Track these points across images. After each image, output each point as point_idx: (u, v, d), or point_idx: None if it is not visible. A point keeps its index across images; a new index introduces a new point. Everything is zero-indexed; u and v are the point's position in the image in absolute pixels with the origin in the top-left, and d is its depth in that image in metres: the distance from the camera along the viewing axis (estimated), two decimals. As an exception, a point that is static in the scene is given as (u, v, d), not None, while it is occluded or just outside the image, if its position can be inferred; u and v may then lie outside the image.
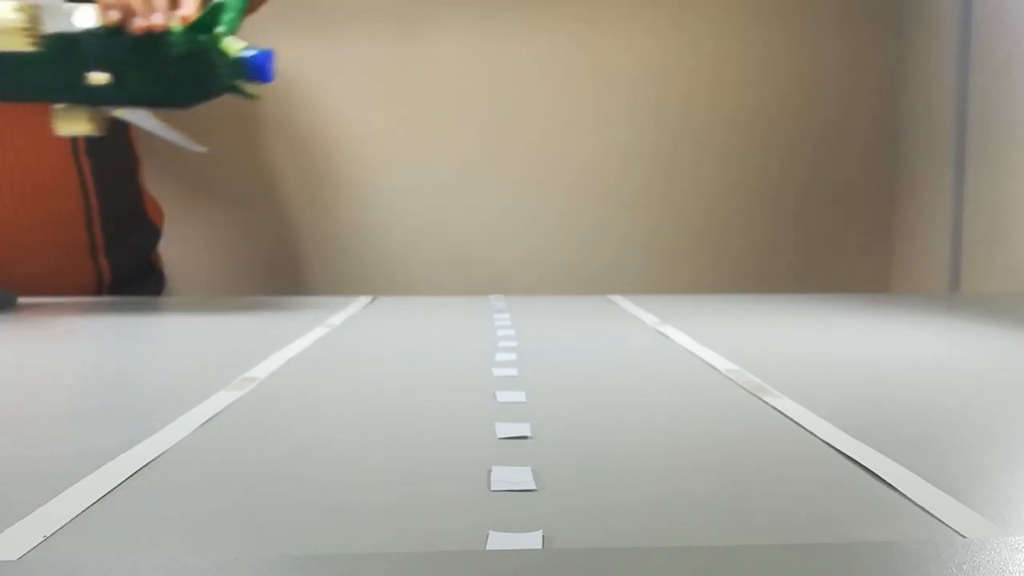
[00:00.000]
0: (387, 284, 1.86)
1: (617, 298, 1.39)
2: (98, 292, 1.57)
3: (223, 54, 1.07)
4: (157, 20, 1.01)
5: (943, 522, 0.40)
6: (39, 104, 1.37)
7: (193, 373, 0.81)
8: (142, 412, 0.64)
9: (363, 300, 1.38)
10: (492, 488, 0.46)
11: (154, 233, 1.68)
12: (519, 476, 0.47)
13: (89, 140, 1.52)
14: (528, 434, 0.56)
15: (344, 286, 1.86)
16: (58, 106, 1.10)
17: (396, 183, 1.89)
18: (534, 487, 0.46)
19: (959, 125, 1.69)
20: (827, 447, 0.54)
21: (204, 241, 1.87)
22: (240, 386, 0.71)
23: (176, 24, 1.06)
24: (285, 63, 1.85)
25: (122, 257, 1.60)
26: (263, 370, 0.79)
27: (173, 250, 1.86)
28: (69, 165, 1.50)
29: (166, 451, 0.53)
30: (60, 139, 1.48)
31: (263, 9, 1.68)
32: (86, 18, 1.03)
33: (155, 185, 1.84)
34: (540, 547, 0.38)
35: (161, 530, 0.40)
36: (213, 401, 0.66)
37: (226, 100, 1.11)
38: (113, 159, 1.58)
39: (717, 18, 1.88)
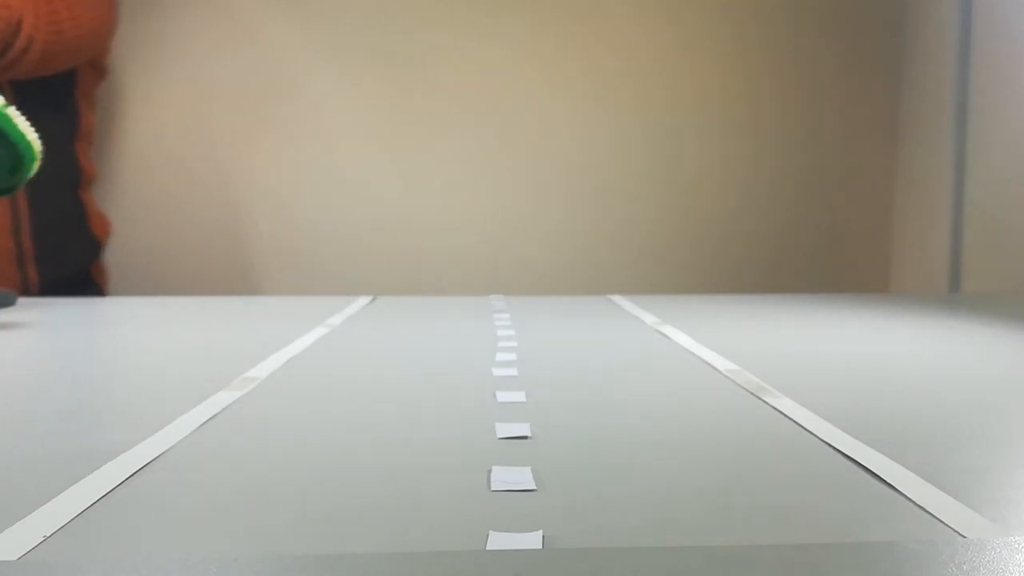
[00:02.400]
0: (387, 284, 1.86)
1: (617, 298, 1.39)
2: None
3: None
4: None
5: (943, 522, 0.40)
6: None
7: (193, 373, 0.81)
8: (142, 412, 0.64)
9: (363, 300, 1.38)
10: (492, 488, 0.46)
11: (94, 246, 1.71)
12: (519, 476, 0.47)
13: None
14: (528, 434, 0.56)
15: (344, 286, 1.86)
16: None
17: (397, 184, 1.89)
18: (534, 487, 0.46)
19: (959, 125, 1.69)
20: (827, 447, 0.54)
21: (206, 241, 1.87)
22: (240, 386, 0.71)
23: None
24: (285, 62, 1.85)
25: (54, 266, 1.62)
26: (263, 370, 0.79)
27: (175, 249, 1.86)
28: None
29: (166, 451, 0.53)
30: None
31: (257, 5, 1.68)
32: None
33: (161, 188, 1.85)
34: (540, 547, 0.38)
35: (161, 530, 0.40)
36: (213, 401, 0.66)
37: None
38: (51, 170, 1.59)
39: (717, 19, 1.88)
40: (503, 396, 0.68)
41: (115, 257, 1.83)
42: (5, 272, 1.57)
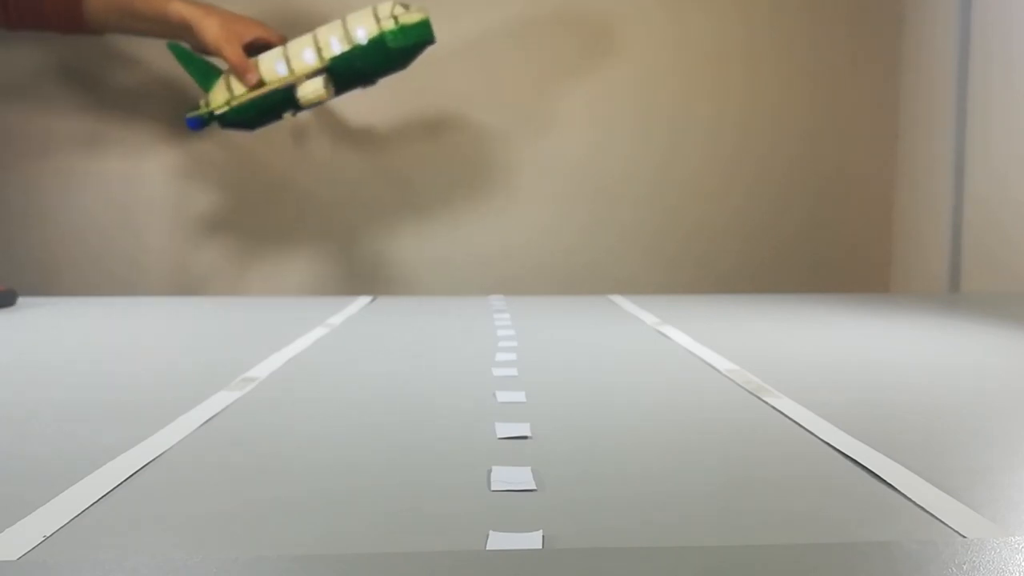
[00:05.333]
0: (387, 284, 1.86)
1: (617, 298, 1.39)
2: None
3: None
4: None
5: (943, 522, 0.40)
6: None
7: (193, 373, 0.81)
8: (142, 412, 0.64)
9: (363, 300, 1.38)
10: (492, 488, 0.46)
11: None
12: (519, 476, 0.47)
13: None
14: (528, 434, 0.56)
15: (344, 286, 1.86)
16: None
17: (396, 184, 1.89)
18: (534, 487, 0.46)
19: (959, 125, 1.69)
20: (827, 447, 0.54)
21: (207, 241, 1.87)
22: (240, 386, 0.72)
23: None
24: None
25: None
26: (263, 370, 0.79)
27: (175, 251, 1.86)
28: None
29: (166, 451, 0.53)
30: None
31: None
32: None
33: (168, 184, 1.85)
34: (540, 547, 0.38)
35: (161, 530, 0.40)
36: (213, 401, 0.66)
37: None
38: None
39: (716, 20, 1.88)
40: (503, 396, 0.68)
41: (111, 256, 1.83)
42: None
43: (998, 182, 1.59)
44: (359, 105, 1.85)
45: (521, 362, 0.82)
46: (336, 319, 1.13)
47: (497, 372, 0.78)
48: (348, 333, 1.04)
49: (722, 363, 0.81)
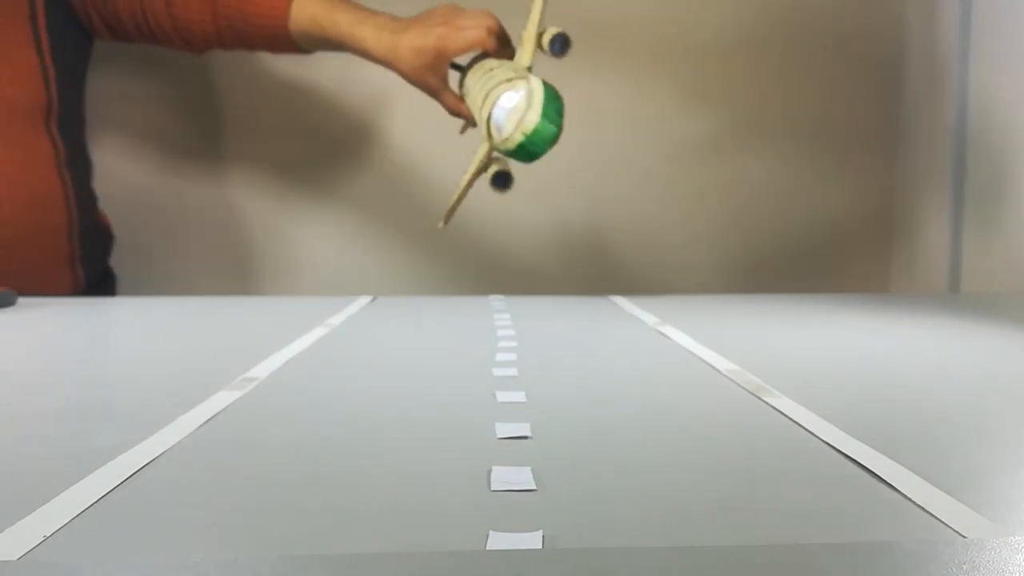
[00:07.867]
0: (387, 284, 1.86)
1: (617, 298, 1.39)
2: None
3: None
4: None
5: (943, 522, 0.40)
6: (27, 114, 1.42)
7: (193, 373, 0.81)
8: (142, 412, 0.64)
9: (363, 300, 1.38)
10: (492, 488, 0.46)
11: (110, 238, 1.70)
12: (519, 476, 0.47)
13: (67, 152, 1.52)
14: (528, 434, 0.56)
15: (344, 286, 1.86)
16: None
17: (396, 183, 1.89)
18: (534, 487, 0.46)
19: (959, 125, 1.69)
20: (827, 447, 0.54)
21: (209, 241, 1.87)
22: (240, 386, 0.71)
23: None
24: (280, 61, 1.85)
25: (91, 264, 1.61)
26: (263, 370, 0.79)
27: (174, 249, 1.86)
28: (55, 177, 1.50)
29: (166, 451, 0.53)
30: (46, 152, 1.48)
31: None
32: None
33: (158, 184, 1.85)
34: (540, 547, 0.38)
35: (161, 530, 0.40)
36: (213, 401, 0.66)
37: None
38: (82, 169, 1.59)
39: (719, 21, 1.88)
40: (503, 396, 0.68)
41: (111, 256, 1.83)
42: (61, 276, 1.55)
43: (998, 182, 1.59)
44: (355, 100, 1.85)
45: (521, 362, 0.82)
46: (336, 319, 1.13)
47: (497, 372, 0.78)
48: (348, 333, 1.04)
49: (722, 363, 0.81)
